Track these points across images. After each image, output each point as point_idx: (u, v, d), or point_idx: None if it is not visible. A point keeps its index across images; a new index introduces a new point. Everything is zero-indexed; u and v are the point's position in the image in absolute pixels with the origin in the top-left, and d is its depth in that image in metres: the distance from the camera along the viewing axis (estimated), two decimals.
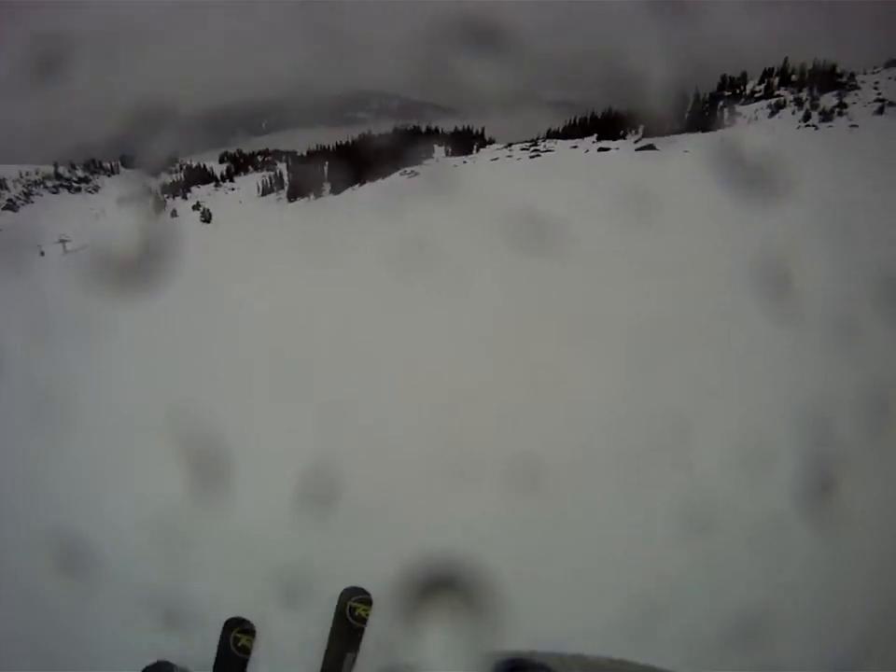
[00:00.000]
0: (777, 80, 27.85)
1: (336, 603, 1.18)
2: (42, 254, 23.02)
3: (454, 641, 0.73)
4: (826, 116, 22.92)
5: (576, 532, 2.83)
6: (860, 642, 1.99)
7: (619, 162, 16.22)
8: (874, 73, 25.52)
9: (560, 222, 7.48)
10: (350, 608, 1.20)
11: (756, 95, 27.87)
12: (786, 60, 27.98)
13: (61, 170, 38.36)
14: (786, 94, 26.64)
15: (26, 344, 6.50)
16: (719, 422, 3.47)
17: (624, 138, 24.62)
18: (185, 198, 35.39)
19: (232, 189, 35.77)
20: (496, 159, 25.65)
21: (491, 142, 30.48)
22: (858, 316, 4.12)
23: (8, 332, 6.66)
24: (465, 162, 26.15)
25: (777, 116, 25.45)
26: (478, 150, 29.05)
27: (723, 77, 29.04)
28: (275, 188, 32.76)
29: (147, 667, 0.97)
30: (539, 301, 5.87)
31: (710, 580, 2.47)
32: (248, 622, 1.16)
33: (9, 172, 36.33)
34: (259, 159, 38.60)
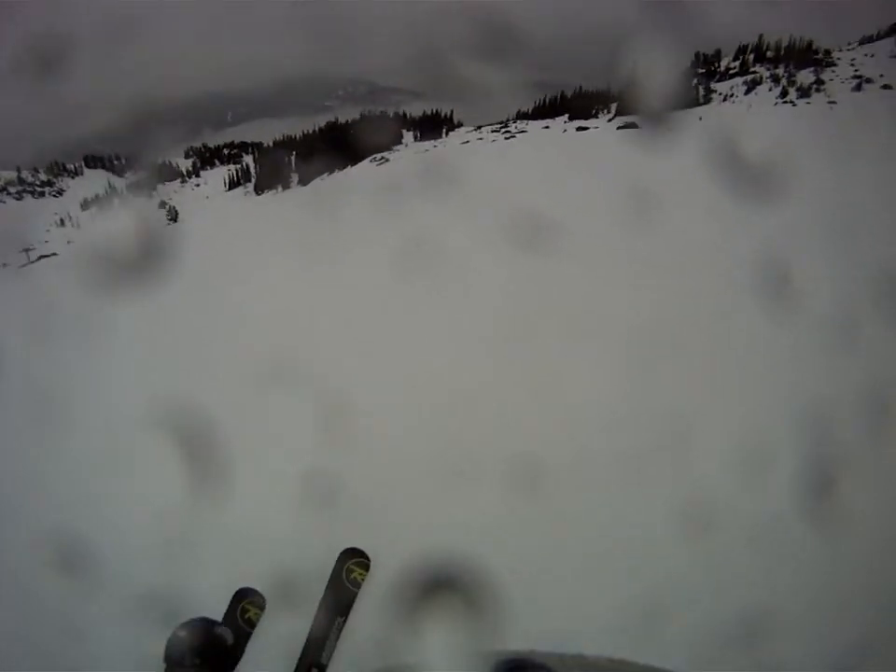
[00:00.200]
0: (752, 57, 27.41)
1: (333, 564, 1.15)
2: (4, 265, 22.73)
3: (454, 641, 0.73)
4: (804, 92, 22.62)
5: (576, 532, 2.83)
6: (860, 642, 1.99)
7: (602, 142, 15.94)
8: (849, 49, 25.22)
9: (547, 210, 7.47)
10: (347, 570, 1.18)
11: (731, 72, 27.36)
12: (761, 37, 27.67)
13: (24, 174, 37.82)
14: (762, 71, 26.19)
15: (26, 344, 6.50)
16: (719, 422, 3.47)
17: (597, 117, 24.39)
18: (150, 196, 35.00)
19: (198, 186, 35.38)
20: (466, 142, 25.23)
21: (460, 125, 30.10)
22: (858, 316, 4.12)
23: (8, 332, 6.67)
24: (435, 146, 25.84)
25: (753, 93, 25.03)
26: (447, 134, 28.72)
27: (696, 54, 28.44)
28: (242, 181, 32.41)
29: (184, 623, 0.95)
30: (539, 301, 5.87)
31: (710, 580, 2.47)
32: (259, 594, 1.14)
33: None
34: (226, 152, 37.99)
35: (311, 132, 33.82)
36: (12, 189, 36.82)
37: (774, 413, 3.54)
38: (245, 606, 1.14)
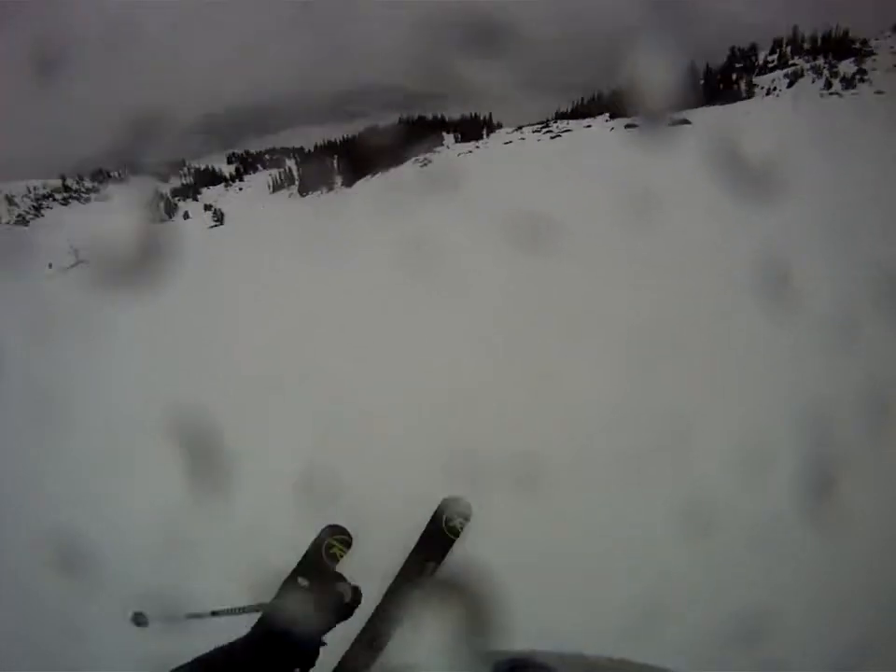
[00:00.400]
0: (789, 49, 26.96)
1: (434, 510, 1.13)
2: (50, 266, 22.99)
3: (454, 641, 0.73)
4: (848, 83, 22.03)
5: (576, 532, 2.83)
6: (860, 642, 1.99)
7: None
8: (886, 37, 24.59)
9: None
10: (446, 518, 1.18)
11: (770, 66, 26.95)
12: (796, 28, 27.11)
13: (69, 182, 38.34)
14: (801, 63, 25.67)
15: (26, 344, 6.50)
16: (719, 422, 3.47)
17: (638, 115, 23.93)
18: (195, 199, 35.48)
19: (241, 190, 35.86)
20: (509, 142, 24.94)
21: (499, 126, 29.98)
22: (858, 316, 4.12)
23: (8, 332, 6.66)
24: (478, 147, 25.59)
25: (796, 85, 24.53)
26: (488, 135, 28.58)
27: (732, 49, 27.98)
28: (286, 183, 32.73)
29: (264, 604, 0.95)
30: (539, 301, 5.87)
31: (710, 580, 2.47)
32: (348, 533, 1.13)
33: (17, 188, 36.38)
34: (267, 157, 38.64)
35: (351, 136, 34.02)
36: (58, 196, 37.37)
37: (774, 413, 3.54)
38: (331, 541, 1.14)
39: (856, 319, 4.04)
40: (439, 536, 1.17)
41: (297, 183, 31.76)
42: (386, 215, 10.04)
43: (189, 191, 36.33)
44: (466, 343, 5.24)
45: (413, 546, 1.12)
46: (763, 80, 26.06)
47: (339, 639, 1.11)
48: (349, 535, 1.19)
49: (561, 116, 27.84)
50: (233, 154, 40.37)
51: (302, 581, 0.95)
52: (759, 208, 6.09)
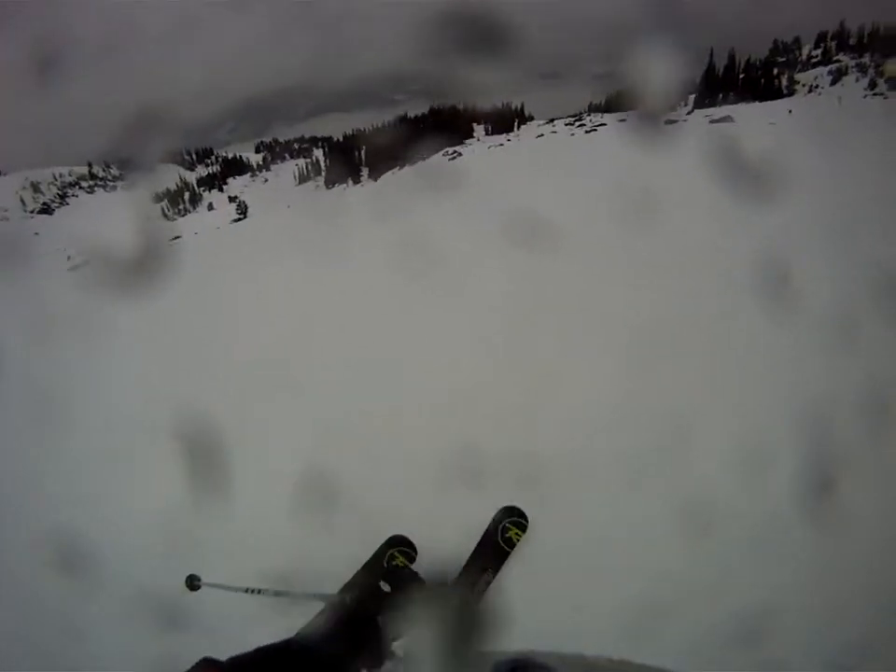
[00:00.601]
0: (834, 45, 25.50)
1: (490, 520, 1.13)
2: (69, 258, 22.85)
3: (453, 641, 0.73)
4: (894, 84, 20.98)
5: (576, 532, 2.83)
6: (860, 642, 1.99)
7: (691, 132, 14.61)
8: None
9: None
10: (503, 528, 1.18)
11: (813, 61, 25.69)
12: (842, 22, 25.60)
13: (95, 169, 37.93)
14: (846, 60, 24.37)
15: (26, 344, 6.50)
16: (719, 422, 3.47)
17: (675, 109, 22.57)
18: (221, 190, 35.15)
19: (266, 181, 35.44)
20: (541, 135, 24.26)
21: (531, 118, 29.25)
22: (858, 316, 4.12)
23: (8, 332, 6.67)
24: (509, 140, 24.95)
25: (839, 83, 23.41)
26: (519, 127, 27.98)
27: (775, 42, 26.65)
28: (312, 174, 32.39)
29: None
30: (539, 301, 5.87)
31: (710, 580, 2.47)
32: (413, 546, 1.14)
33: (43, 175, 36.04)
34: (296, 146, 38.16)
35: (380, 125, 33.30)
36: (84, 184, 36.94)
37: (774, 413, 3.54)
38: (394, 552, 1.15)
39: (856, 319, 4.04)
40: (494, 547, 1.19)
41: (323, 174, 31.41)
42: (388, 214, 10.03)
43: (215, 181, 35.88)
44: (466, 343, 5.25)
45: (468, 556, 1.12)
46: (805, 77, 24.86)
47: None
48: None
49: (594, 109, 27.12)
50: (261, 143, 39.86)
51: (384, 586, 0.95)
52: (759, 207, 6.09)
